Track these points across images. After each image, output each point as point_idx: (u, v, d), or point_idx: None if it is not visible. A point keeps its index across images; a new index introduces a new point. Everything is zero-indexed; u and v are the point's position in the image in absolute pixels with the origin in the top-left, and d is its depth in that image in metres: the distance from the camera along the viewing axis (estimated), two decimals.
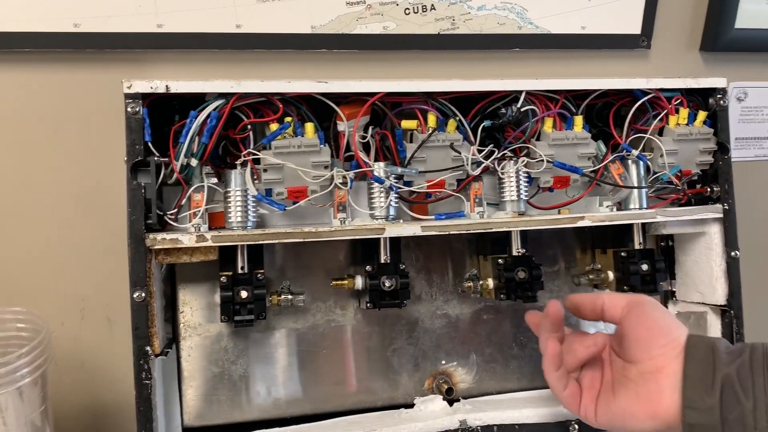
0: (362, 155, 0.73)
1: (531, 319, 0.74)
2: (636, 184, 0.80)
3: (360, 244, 0.78)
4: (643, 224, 0.82)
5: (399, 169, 0.72)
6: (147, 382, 0.65)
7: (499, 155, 0.76)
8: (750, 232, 0.90)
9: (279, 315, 0.78)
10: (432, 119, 0.73)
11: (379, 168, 0.73)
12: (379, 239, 0.75)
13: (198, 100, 0.69)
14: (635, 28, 0.86)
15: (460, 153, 0.73)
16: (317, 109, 0.73)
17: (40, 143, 0.78)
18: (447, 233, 0.72)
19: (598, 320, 0.68)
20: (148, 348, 0.65)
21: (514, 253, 0.78)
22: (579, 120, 0.77)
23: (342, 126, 0.73)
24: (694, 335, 0.61)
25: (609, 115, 0.82)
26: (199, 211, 0.69)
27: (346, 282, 0.77)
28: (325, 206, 0.74)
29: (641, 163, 0.80)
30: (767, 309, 0.96)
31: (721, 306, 0.81)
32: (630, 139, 0.81)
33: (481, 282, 0.81)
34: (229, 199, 0.70)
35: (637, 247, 0.81)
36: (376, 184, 0.73)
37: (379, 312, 0.81)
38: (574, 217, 0.75)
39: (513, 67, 0.83)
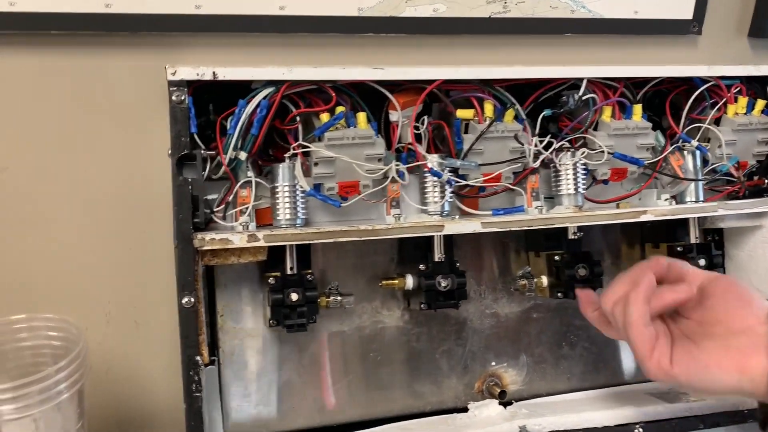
0: (419, 148, 0.68)
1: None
2: (694, 176, 0.76)
3: (408, 241, 0.73)
4: (698, 218, 0.79)
5: (458, 162, 0.68)
6: (197, 394, 0.60)
7: (557, 146, 0.71)
8: None
9: (323, 317, 0.73)
10: (489, 108, 0.69)
11: (433, 161, 0.68)
12: (432, 237, 0.71)
13: (239, 87, 0.64)
14: (687, 13, 0.82)
15: (523, 144, 0.69)
16: (364, 99, 0.68)
17: (65, 135, 0.72)
18: (507, 230, 0.68)
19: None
20: (198, 357, 0.60)
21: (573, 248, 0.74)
22: (638, 109, 0.74)
23: (395, 116, 0.68)
24: None
25: (662, 104, 0.78)
26: (247, 208, 0.64)
27: (396, 282, 0.72)
28: (379, 202, 0.69)
29: (699, 154, 0.76)
30: None
31: None
32: (686, 129, 0.77)
33: (535, 280, 0.77)
34: (277, 195, 0.65)
35: (693, 241, 0.78)
36: (430, 178, 0.69)
37: (426, 313, 0.77)
38: (636, 211, 0.72)
39: (565, 53, 0.78)
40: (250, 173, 0.65)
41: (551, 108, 0.72)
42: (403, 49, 0.73)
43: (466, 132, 0.70)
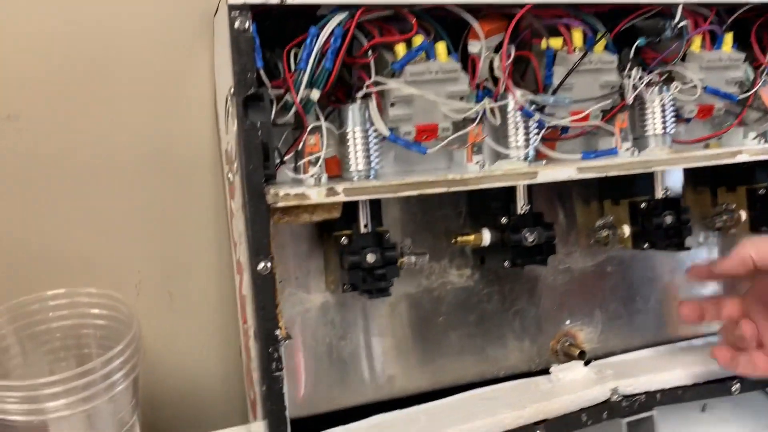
0: (508, 83, 0.60)
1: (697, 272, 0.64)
2: None
3: (481, 193, 0.65)
4: None
5: (550, 99, 0.60)
6: (278, 373, 0.51)
7: (646, 80, 0.64)
8: None
9: None
10: (578, 37, 0.61)
11: (523, 98, 0.60)
12: (515, 187, 0.63)
13: (296, 15, 0.54)
14: None
15: (622, 78, 0.61)
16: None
17: (86, 80, 0.61)
18: (604, 175, 0.61)
19: (750, 275, 0.60)
20: (277, 332, 0.51)
21: (659, 195, 0.68)
22: (729, 38, 0.67)
23: (476, 47, 0.60)
24: None
25: (748, 32, 0.71)
26: (318, 158, 0.55)
27: (471, 238, 0.64)
28: (461, 148, 0.61)
29: None
30: None
31: None
32: None
33: (618, 231, 0.70)
34: (347, 142, 0.56)
35: None
36: (514, 119, 0.61)
37: (498, 272, 0.70)
38: (731, 151, 0.65)
39: None
40: (321, 117, 0.55)
41: (643, 37, 0.64)
42: None
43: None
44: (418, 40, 0.56)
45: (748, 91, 0.68)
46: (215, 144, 0.66)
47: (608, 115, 0.64)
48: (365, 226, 0.58)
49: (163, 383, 0.71)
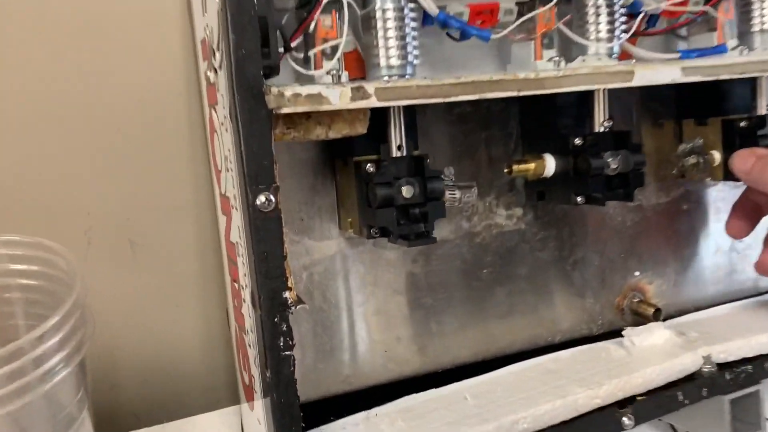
0: None
1: None
2: None
3: (541, 103, 0.50)
4: None
5: None
6: (288, 353, 0.36)
7: None
8: None
9: None
10: None
11: None
12: (591, 94, 0.47)
13: None
14: None
15: None
16: None
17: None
18: (714, 78, 0.46)
19: None
20: (285, 294, 0.36)
21: (762, 110, 0.53)
22: None
23: None
24: None
25: None
26: (336, 47, 0.39)
27: (532, 166, 0.49)
28: (525, 39, 0.45)
29: None
30: None
31: None
32: None
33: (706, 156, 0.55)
34: (374, 27, 0.40)
35: None
36: (595, 2, 0.45)
37: (556, 211, 0.55)
38: None
39: None
40: None
41: None
42: None
43: None
44: None
45: None
46: (187, 36, 0.50)
47: (710, 2, 0.48)
48: (398, 148, 0.43)
49: (125, 360, 0.55)
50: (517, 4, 0.43)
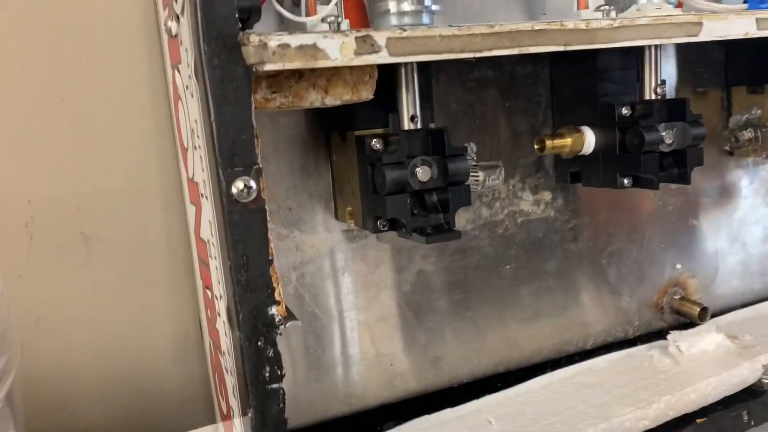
0: None
1: None
2: None
3: (579, 67, 0.41)
4: None
5: None
6: (275, 386, 0.28)
7: None
8: None
9: None
10: None
11: None
12: (643, 53, 0.39)
13: None
14: None
15: None
16: None
17: None
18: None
19: None
20: (272, 310, 0.27)
21: None
22: None
23: None
24: None
25: None
26: None
27: (569, 141, 0.41)
28: None
29: None
30: None
31: None
32: None
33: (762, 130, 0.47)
34: None
35: None
36: None
37: (591, 195, 0.47)
38: None
39: None
40: None
41: None
42: None
43: None
44: None
45: None
46: None
47: None
48: (412, 119, 0.34)
49: (80, 374, 0.46)
50: None
